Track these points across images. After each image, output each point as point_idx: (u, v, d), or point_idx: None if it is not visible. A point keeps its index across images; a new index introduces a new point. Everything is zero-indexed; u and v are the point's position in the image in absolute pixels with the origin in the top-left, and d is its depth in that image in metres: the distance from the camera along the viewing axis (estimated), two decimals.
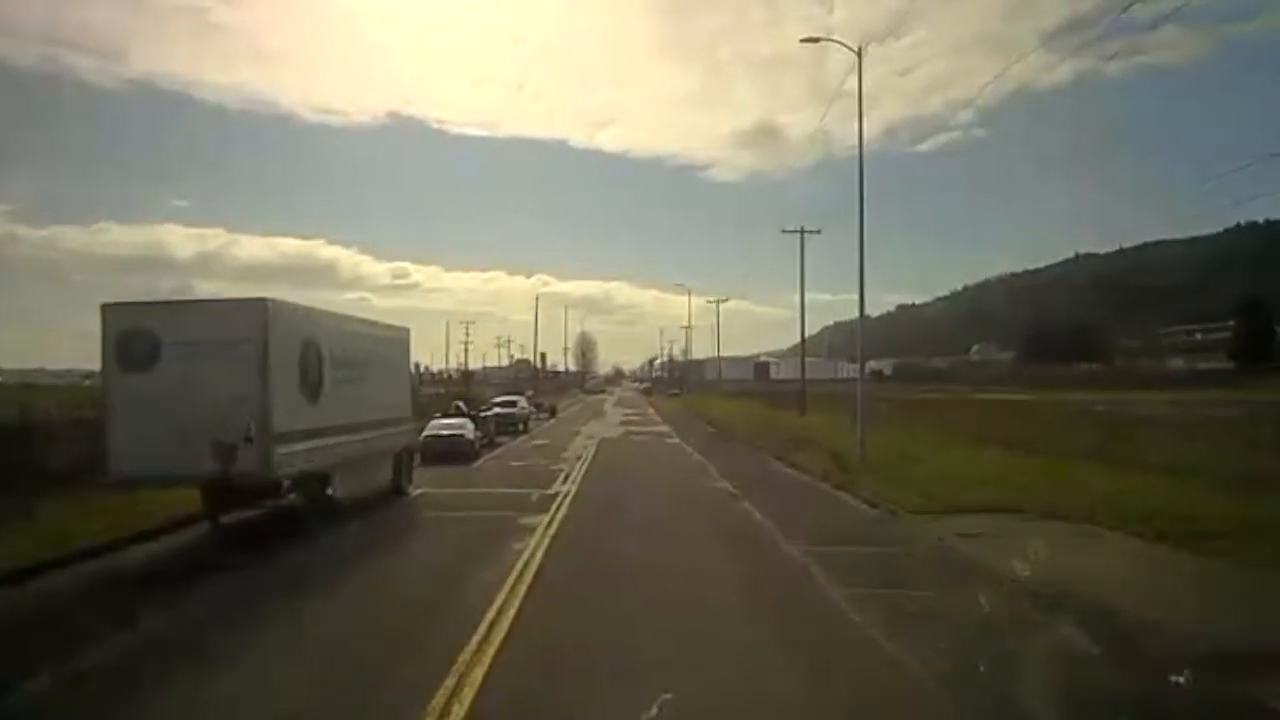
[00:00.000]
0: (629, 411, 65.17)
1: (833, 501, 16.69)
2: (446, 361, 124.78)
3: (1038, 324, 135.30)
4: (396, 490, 17.49)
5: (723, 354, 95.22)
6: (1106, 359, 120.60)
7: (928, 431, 28.59)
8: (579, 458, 26.28)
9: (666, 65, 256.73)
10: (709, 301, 79.30)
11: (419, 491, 18.15)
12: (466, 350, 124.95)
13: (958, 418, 31.31)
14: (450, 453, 24.69)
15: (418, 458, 21.99)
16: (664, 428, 43.48)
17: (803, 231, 42.40)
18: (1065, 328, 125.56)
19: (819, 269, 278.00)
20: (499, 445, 31.48)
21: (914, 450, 21.76)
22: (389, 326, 18.04)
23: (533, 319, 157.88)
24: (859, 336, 28.04)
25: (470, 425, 27.08)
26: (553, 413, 55.70)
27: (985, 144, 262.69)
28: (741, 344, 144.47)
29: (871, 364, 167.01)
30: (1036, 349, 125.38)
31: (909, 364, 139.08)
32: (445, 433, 25.51)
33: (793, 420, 40.62)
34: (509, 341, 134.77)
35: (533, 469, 23.08)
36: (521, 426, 40.90)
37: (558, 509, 15.37)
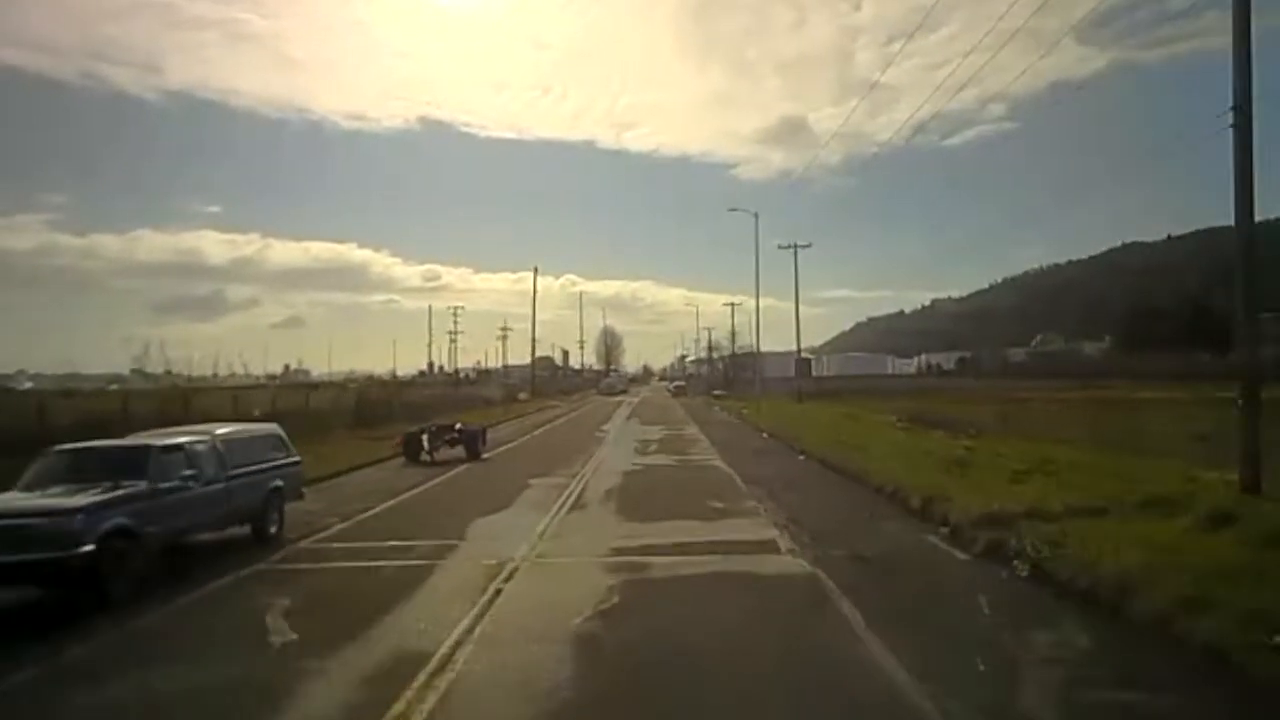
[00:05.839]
0: (650, 435, 33.72)
1: None
2: (430, 356, 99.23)
3: (1140, 307, 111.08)
4: None
5: (761, 349, 66.60)
6: (1223, 346, 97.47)
7: None
8: None
9: (692, 66, 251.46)
10: (780, 247, 51.10)
11: None
12: (454, 343, 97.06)
13: None
14: None
15: None
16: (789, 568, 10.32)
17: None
18: (1177, 310, 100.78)
19: (844, 269, 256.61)
20: None
21: None
22: None
23: (563, 318, 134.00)
24: None
25: None
26: (475, 451, 24.89)
27: (1020, 137, 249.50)
28: (767, 340, 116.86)
29: (925, 357, 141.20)
30: (1140, 335, 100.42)
31: (975, 359, 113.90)
32: None
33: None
34: (507, 333, 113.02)
35: None
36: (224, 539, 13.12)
37: None
